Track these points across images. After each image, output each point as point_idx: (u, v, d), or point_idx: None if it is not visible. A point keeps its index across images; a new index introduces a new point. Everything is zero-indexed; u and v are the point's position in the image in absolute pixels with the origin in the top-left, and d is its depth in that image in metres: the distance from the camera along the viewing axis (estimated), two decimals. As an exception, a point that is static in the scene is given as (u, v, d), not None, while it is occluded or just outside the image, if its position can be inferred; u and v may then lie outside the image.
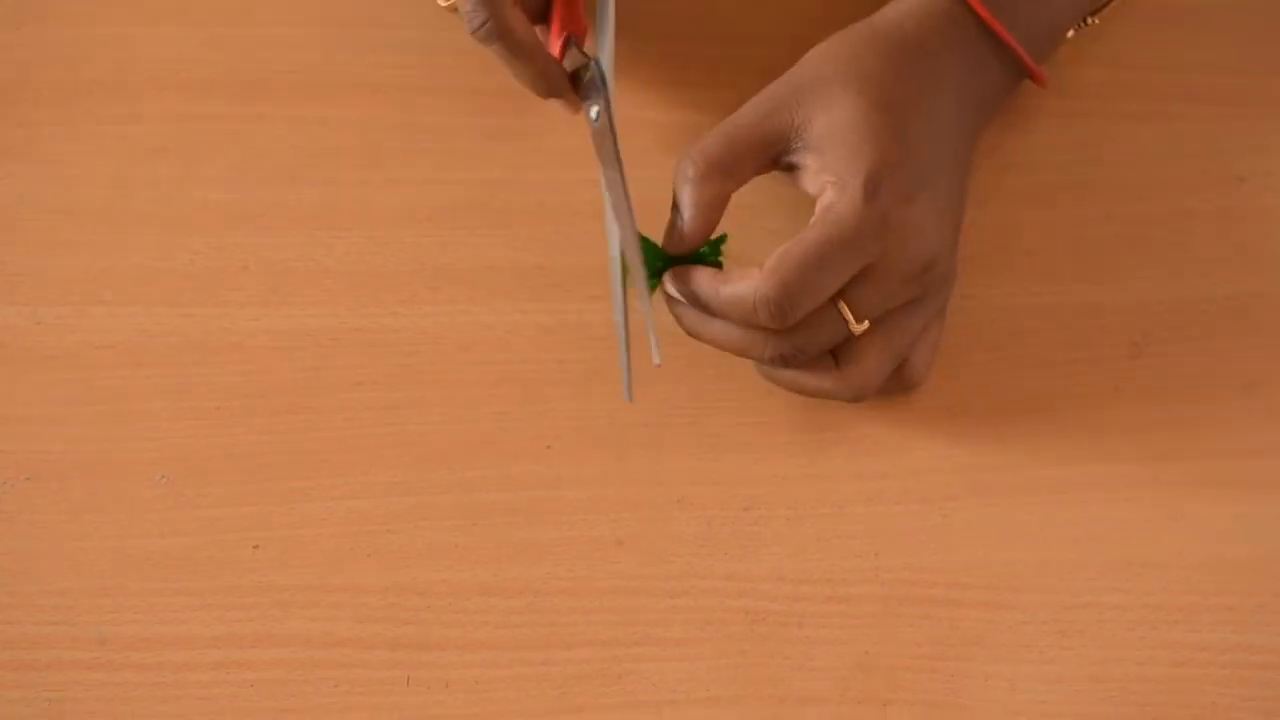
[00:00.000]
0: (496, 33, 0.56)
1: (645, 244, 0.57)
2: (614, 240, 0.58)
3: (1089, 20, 0.65)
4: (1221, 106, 0.67)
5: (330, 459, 0.60)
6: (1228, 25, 0.68)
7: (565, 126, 0.59)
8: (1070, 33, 0.65)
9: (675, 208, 0.58)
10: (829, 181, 0.56)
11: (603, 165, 0.57)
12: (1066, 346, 0.63)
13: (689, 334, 0.59)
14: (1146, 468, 0.61)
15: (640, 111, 0.65)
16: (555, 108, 0.59)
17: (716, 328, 0.58)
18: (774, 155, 0.58)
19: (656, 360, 0.56)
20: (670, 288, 0.58)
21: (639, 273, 0.57)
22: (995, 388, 0.62)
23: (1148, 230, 0.65)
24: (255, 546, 0.59)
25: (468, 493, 0.60)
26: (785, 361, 0.57)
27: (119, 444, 0.60)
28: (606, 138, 0.57)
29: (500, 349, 0.62)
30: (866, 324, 0.57)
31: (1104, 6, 0.65)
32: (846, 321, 0.56)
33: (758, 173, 0.58)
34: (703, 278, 0.57)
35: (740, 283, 0.55)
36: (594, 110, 0.57)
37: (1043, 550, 0.59)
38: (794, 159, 0.58)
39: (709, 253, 0.58)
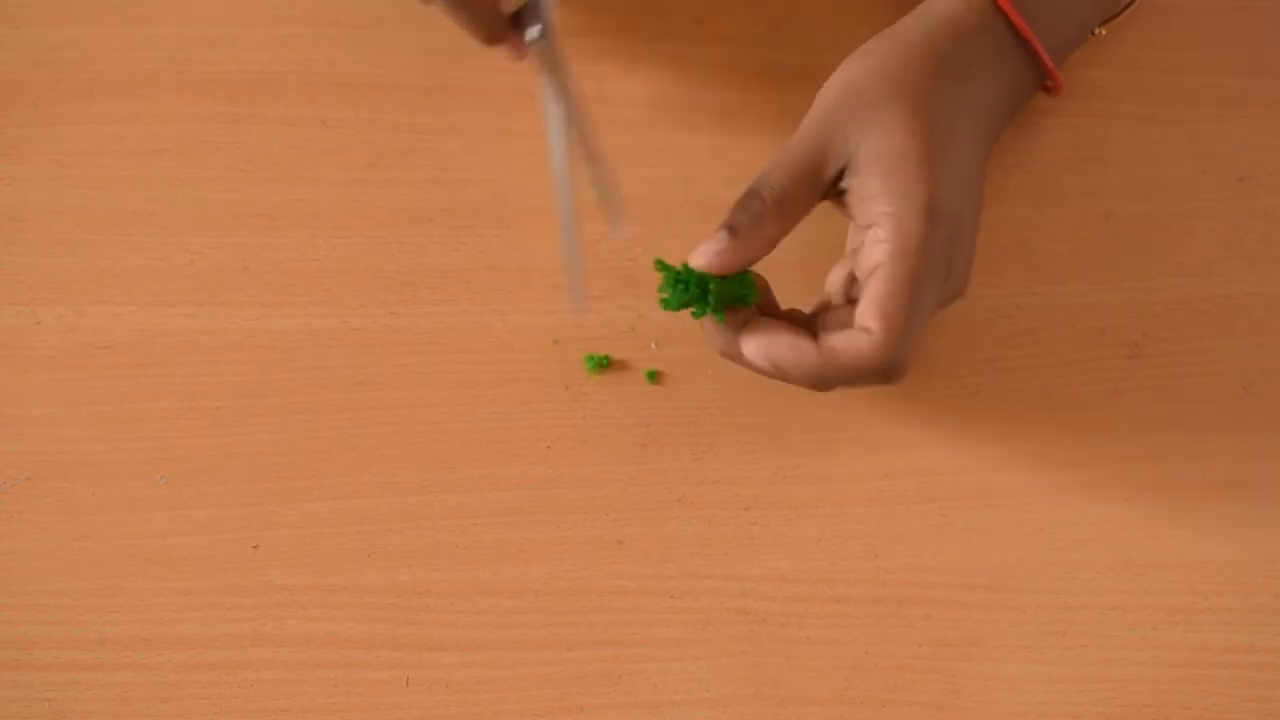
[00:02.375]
0: None
1: (687, 269, 0.56)
2: (558, 155, 0.55)
3: (1096, 31, 0.65)
4: (1222, 107, 0.67)
5: (330, 459, 0.60)
6: (1228, 27, 0.68)
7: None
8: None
9: (729, 231, 0.55)
10: (886, 213, 0.54)
11: (547, 76, 0.56)
12: (1066, 346, 0.63)
13: (720, 354, 0.57)
14: (1146, 468, 0.61)
15: (640, 112, 0.65)
16: (501, 56, 0.58)
17: (751, 353, 0.56)
18: (831, 182, 0.56)
19: (615, 234, 0.54)
20: (754, 357, 0.55)
21: (608, 191, 0.55)
22: (996, 388, 0.62)
23: (1148, 230, 0.65)
24: (255, 546, 0.59)
25: (468, 493, 0.60)
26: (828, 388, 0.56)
27: (119, 444, 0.60)
28: (551, 49, 0.55)
29: (500, 349, 0.62)
30: None
31: (1113, 18, 0.65)
32: None
33: (815, 204, 0.56)
34: (803, 352, 0.54)
35: (851, 353, 0.54)
36: (534, 29, 0.56)
37: (1043, 550, 0.59)
38: (844, 184, 0.56)
39: (746, 283, 0.56)
